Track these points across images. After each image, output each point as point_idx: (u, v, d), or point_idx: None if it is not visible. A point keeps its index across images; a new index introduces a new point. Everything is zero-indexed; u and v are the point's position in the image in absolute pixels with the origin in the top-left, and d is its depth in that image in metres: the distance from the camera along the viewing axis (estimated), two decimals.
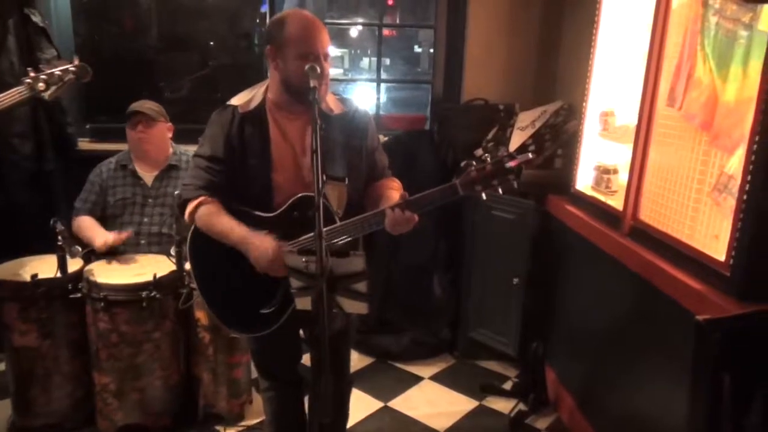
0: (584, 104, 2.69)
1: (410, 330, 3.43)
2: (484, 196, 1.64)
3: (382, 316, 3.43)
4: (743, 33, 1.74)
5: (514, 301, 3.06)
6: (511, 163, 1.58)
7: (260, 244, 1.74)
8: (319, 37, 1.76)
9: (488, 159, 1.60)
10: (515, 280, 3.02)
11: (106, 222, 2.79)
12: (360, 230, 1.74)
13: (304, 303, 1.53)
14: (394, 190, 1.91)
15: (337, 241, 1.73)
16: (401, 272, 3.43)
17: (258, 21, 3.72)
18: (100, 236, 2.63)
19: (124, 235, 2.65)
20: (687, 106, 1.98)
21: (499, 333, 3.20)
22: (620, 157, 2.55)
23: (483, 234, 3.19)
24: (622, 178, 2.48)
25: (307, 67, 1.68)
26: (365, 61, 6.86)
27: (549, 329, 3.00)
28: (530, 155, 1.59)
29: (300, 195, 1.80)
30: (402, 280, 3.44)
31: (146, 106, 2.76)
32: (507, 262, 3.08)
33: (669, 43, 2.12)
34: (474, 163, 1.61)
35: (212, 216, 1.83)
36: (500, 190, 1.62)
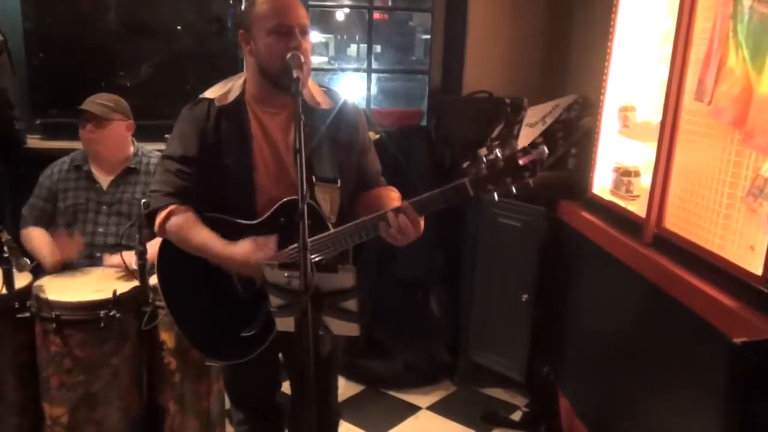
0: (601, 98, 2.70)
1: (404, 353, 3.42)
2: (496, 196, 1.64)
3: (372, 337, 3.42)
4: None
5: (521, 319, 3.06)
6: (525, 159, 1.59)
7: (237, 250, 1.74)
8: (290, 8, 1.76)
9: (498, 154, 1.61)
10: (524, 297, 3.01)
11: (56, 230, 2.76)
12: (355, 238, 1.73)
13: (285, 324, 1.51)
14: (395, 201, 1.91)
15: (329, 251, 1.72)
16: (393, 286, 3.43)
17: (231, 2, 3.70)
18: (50, 256, 2.60)
19: (75, 244, 2.61)
20: (717, 100, 1.98)
21: (504, 356, 3.19)
22: (642, 157, 2.55)
23: (486, 243, 3.18)
24: (644, 181, 2.48)
25: (288, 55, 1.68)
26: (353, 48, 6.84)
27: (561, 352, 3.00)
28: (545, 149, 1.60)
29: (286, 199, 1.79)
30: (394, 296, 3.44)
31: (98, 102, 2.72)
32: (513, 275, 3.07)
33: (697, 30, 2.12)
34: (484, 159, 1.62)
35: (185, 229, 1.83)
36: (514, 189, 1.63)
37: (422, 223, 1.71)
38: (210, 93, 1.90)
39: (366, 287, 3.37)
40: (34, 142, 3.43)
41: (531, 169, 1.60)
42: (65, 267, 2.64)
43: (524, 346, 3.07)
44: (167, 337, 2.53)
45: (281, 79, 1.73)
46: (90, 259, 2.71)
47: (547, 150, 1.61)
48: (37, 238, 2.73)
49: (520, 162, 1.59)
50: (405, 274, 3.41)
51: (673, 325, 2.08)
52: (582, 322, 2.83)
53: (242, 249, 1.74)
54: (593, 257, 2.64)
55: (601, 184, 2.74)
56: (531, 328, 3.04)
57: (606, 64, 2.66)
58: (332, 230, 1.74)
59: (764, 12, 1.81)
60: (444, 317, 3.43)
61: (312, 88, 1.91)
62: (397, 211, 1.68)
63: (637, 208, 2.43)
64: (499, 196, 1.65)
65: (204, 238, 1.79)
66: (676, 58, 2.17)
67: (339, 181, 1.84)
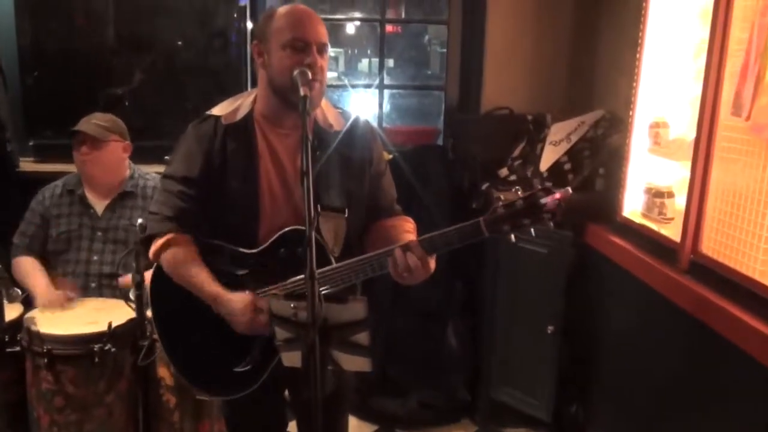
0: (630, 113, 2.70)
1: (420, 389, 3.40)
2: (513, 238, 1.64)
3: (384, 372, 3.39)
4: None
5: (547, 353, 3.03)
6: (548, 200, 1.57)
7: (234, 301, 1.76)
8: (310, 24, 1.79)
9: (519, 192, 1.60)
10: (549, 329, 2.99)
11: (48, 259, 2.78)
12: (360, 275, 1.73)
13: (292, 359, 1.50)
14: (410, 234, 1.90)
15: (330, 287, 1.72)
16: (408, 317, 3.42)
17: (236, 16, 3.74)
18: (42, 294, 2.61)
19: (73, 295, 2.62)
20: (756, 115, 1.98)
21: (529, 393, 3.16)
22: (675, 177, 2.54)
23: (508, 271, 3.17)
24: (678, 203, 2.47)
25: (296, 72, 1.69)
26: (364, 63, 6.91)
27: (590, 388, 2.97)
28: (570, 189, 1.59)
29: (288, 228, 1.80)
30: (409, 327, 3.42)
31: (93, 122, 2.76)
32: (538, 305, 3.05)
33: (732, 41, 2.12)
34: (501, 197, 1.61)
35: (182, 264, 1.84)
36: (533, 231, 1.62)
37: (433, 262, 1.71)
38: (217, 110, 1.91)
39: (379, 318, 3.36)
40: (26, 164, 3.47)
41: (553, 211, 1.59)
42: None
43: (550, 383, 3.04)
44: (165, 374, 2.53)
45: (291, 96, 1.73)
46: (84, 289, 2.72)
47: (571, 190, 1.60)
48: (28, 267, 2.74)
49: (542, 202, 1.59)
50: (421, 304, 3.40)
51: (712, 358, 2.06)
52: (613, 356, 2.81)
53: (236, 304, 1.76)
54: (624, 285, 2.62)
55: (632, 207, 2.73)
56: (557, 363, 3.01)
57: (635, 77, 2.66)
58: (335, 264, 1.75)
59: None
60: (463, 351, 3.41)
61: (326, 108, 1.91)
62: (405, 248, 1.67)
63: (671, 231, 2.42)
64: (516, 238, 1.64)
65: (200, 280, 1.81)
66: (710, 71, 2.17)
67: (346, 210, 1.84)
